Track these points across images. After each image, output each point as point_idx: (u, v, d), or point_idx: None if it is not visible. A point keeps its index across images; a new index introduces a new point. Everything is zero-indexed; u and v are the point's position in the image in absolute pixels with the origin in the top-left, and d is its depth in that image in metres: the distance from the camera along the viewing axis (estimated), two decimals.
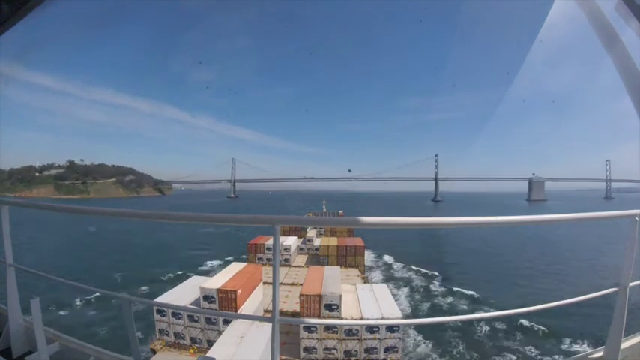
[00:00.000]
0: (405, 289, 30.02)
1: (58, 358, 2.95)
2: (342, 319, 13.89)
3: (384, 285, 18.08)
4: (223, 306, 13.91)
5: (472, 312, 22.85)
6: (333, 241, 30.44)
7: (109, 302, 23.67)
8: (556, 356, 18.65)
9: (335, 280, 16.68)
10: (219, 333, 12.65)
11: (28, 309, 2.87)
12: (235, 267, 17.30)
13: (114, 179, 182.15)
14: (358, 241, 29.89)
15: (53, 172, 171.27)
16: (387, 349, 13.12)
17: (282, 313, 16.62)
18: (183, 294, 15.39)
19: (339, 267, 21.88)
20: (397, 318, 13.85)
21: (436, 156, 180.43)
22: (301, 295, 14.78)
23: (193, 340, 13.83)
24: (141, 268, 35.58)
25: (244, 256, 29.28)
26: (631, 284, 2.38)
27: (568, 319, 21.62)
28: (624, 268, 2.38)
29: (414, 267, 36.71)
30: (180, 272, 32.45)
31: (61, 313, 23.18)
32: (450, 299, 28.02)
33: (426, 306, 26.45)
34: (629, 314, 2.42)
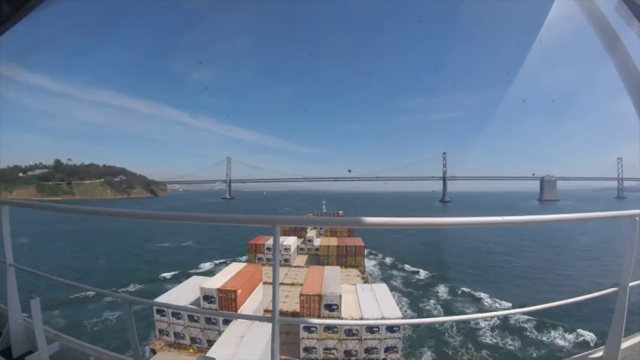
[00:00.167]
0: (405, 290, 30.02)
1: (58, 358, 2.95)
2: (342, 319, 13.87)
3: (384, 285, 18.04)
4: (223, 306, 13.88)
5: (472, 312, 22.85)
6: (333, 242, 30.38)
7: (109, 302, 23.69)
8: (556, 356, 18.64)
9: (335, 280, 16.64)
10: (219, 333, 12.61)
11: (28, 309, 2.87)
12: (235, 267, 17.27)
13: (102, 179, 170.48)
14: (358, 241, 29.84)
15: (38, 172, 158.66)
16: (387, 349, 13.08)
17: (282, 313, 16.61)
18: (183, 294, 15.37)
19: (339, 267, 21.84)
20: (397, 318, 13.83)
21: (444, 154, 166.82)
22: (301, 295, 14.74)
23: (193, 340, 13.80)
24: (141, 268, 35.63)
25: (244, 257, 29.30)
26: (631, 284, 2.38)
27: (568, 319, 21.62)
28: (624, 268, 2.38)
29: (414, 267, 36.73)
30: (178, 272, 32.47)
31: (61, 313, 23.18)
32: (449, 299, 28.04)
33: (426, 306, 26.46)
34: (629, 314, 2.42)
